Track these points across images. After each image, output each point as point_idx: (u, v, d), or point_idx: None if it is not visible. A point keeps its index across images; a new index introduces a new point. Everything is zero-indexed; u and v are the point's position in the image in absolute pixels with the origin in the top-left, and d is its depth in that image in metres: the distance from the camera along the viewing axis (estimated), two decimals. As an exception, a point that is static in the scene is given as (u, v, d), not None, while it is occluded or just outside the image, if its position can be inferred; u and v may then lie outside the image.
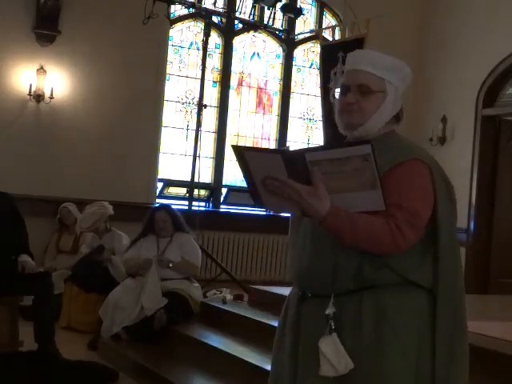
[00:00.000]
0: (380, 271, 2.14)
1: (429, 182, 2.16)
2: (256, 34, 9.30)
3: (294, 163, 2.03)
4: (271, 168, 2.05)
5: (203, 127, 7.62)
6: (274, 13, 8.06)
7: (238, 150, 2.11)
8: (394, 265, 2.14)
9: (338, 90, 2.33)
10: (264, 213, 8.71)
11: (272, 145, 9.64)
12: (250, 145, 9.53)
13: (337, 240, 2.12)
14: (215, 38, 9.23)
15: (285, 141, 9.63)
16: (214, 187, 9.13)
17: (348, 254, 2.15)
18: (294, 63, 9.79)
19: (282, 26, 9.32)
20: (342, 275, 2.16)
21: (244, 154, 2.11)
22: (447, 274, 2.18)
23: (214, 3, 7.89)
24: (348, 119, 2.25)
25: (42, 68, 8.09)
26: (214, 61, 9.26)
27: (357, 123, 2.24)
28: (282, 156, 2.04)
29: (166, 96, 8.93)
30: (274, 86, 9.71)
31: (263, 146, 9.50)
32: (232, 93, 9.40)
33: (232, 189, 9.18)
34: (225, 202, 9.20)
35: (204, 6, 8.37)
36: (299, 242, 2.29)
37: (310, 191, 2.04)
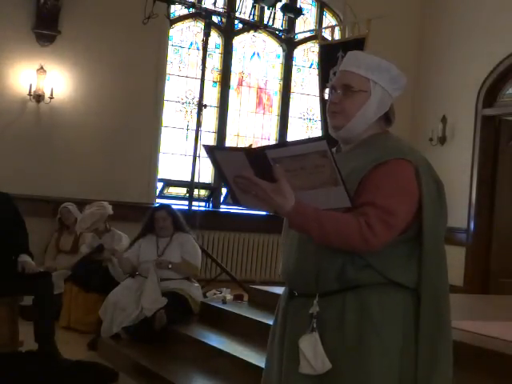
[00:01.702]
0: (363, 272, 2.14)
1: (412, 181, 2.15)
2: (256, 34, 9.30)
3: (258, 161, 2.05)
4: (239, 166, 2.07)
5: (203, 127, 7.61)
6: (274, 13, 8.07)
7: (207, 149, 2.14)
8: (377, 265, 2.14)
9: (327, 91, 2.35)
10: (264, 213, 8.69)
11: (272, 145, 9.63)
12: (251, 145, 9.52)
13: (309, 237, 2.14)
14: (215, 38, 9.23)
15: (285, 141, 9.63)
16: (214, 187, 9.13)
17: (331, 255, 2.15)
18: (294, 63, 9.79)
19: (282, 25, 9.32)
20: (326, 275, 2.17)
21: (214, 153, 2.14)
22: (431, 275, 2.16)
23: (214, 3, 7.89)
24: (332, 121, 2.28)
25: (41, 68, 8.09)
26: (214, 61, 9.26)
27: (340, 125, 2.26)
28: (245, 154, 2.05)
29: (166, 96, 8.93)
30: (274, 86, 9.71)
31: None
32: (232, 93, 9.40)
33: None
34: (225, 202, 9.20)
35: (204, 6, 8.37)
36: (289, 242, 2.32)
37: (273, 188, 2.04)
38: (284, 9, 8.22)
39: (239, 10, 7.97)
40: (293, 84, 9.74)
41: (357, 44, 7.23)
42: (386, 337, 2.13)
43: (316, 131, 9.76)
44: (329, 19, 9.95)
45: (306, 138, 2.08)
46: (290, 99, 9.70)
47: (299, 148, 2.03)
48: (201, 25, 8.72)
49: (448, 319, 2.21)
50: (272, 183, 2.05)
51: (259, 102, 9.64)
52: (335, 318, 2.16)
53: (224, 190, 9.21)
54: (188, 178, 7.65)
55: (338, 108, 2.25)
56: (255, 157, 2.05)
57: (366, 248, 2.10)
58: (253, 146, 2.22)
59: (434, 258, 2.18)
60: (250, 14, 7.99)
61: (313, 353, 2.14)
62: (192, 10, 8.58)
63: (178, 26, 9.09)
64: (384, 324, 2.14)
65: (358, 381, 2.12)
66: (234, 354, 4.77)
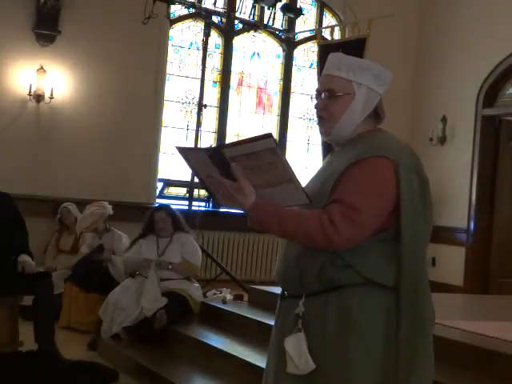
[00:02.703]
0: (343, 272, 2.14)
1: (388, 179, 2.13)
2: (256, 34, 9.30)
3: (219, 160, 2.08)
4: (207, 165, 2.12)
5: (203, 127, 7.62)
6: (274, 13, 8.07)
7: (179, 150, 2.20)
8: (356, 265, 2.14)
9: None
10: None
11: (272, 145, 9.64)
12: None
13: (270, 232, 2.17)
14: (215, 38, 9.23)
15: (285, 141, 9.64)
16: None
17: (311, 255, 2.17)
18: (294, 63, 9.79)
19: (282, 26, 9.32)
20: (308, 276, 2.19)
21: (185, 154, 2.20)
22: (409, 275, 2.14)
23: (214, 3, 7.90)
24: (320, 127, 2.31)
25: (41, 68, 8.09)
26: (214, 61, 9.26)
27: (328, 130, 2.28)
28: (206, 154, 2.11)
29: (166, 96, 8.93)
30: (274, 86, 9.71)
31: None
32: (232, 93, 9.40)
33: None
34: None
35: (204, 6, 8.38)
36: (282, 243, 2.34)
37: (234, 186, 2.10)
38: (284, 9, 8.22)
39: (239, 10, 7.97)
40: (293, 84, 9.74)
41: (357, 44, 7.23)
42: (368, 337, 2.13)
43: (316, 131, 9.76)
44: (329, 19, 9.95)
45: (255, 135, 2.11)
46: (290, 99, 9.70)
47: (249, 146, 2.05)
48: (201, 25, 8.72)
49: (427, 319, 2.19)
50: (233, 181, 2.09)
51: (259, 102, 9.64)
52: (318, 319, 2.17)
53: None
54: (188, 178, 7.65)
55: (324, 113, 2.27)
56: (216, 156, 2.09)
57: (328, 245, 2.10)
58: (213, 146, 2.27)
59: (413, 256, 2.15)
60: (250, 13, 8.00)
61: (297, 353, 2.16)
62: (192, 10, 8.58)
63: (178, 25, 9.09)
64: (365, 324, 2.13)
65: (341, 381, 2.13)
66: (234, 354, 4.77)
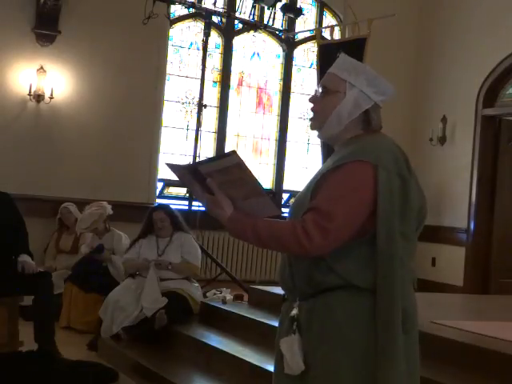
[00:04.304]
0: (329, 275, 2.19)
1: (366, 183, 2.15)
2: (256, 33, 9.30)
3: (197, 176, 2.19)
4: (191, 181, 2.25)
5: (203, 127, 7.62)
6: (274, 13, 8.07)
7: (169, 166, 2.32)
8: (338, 269, 2.18)
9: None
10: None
11: (272, 145, 9.64)
12: (250, 145, 9.55)
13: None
14: (215, 38, 9.23)
15: (285, 141, 9.64)
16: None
17: (299, 261, 2.24)
18: (294, 63, 9.79)
19: (282, 26, 9.32)
20: (299, 280, 2.26)
21: (173, 170, 2.31)
22: (382, 276, 2.16)
23: (214, 3, 7.89)
24: (311, 124, 2.39)
25: (41, 68, 8.09)
26: (214, 61, 9.26)
27: (317, 126, 2.36)
28: (187, 170, 2.23)
29: (166, 96, 8.93)
30: (274, 86, 9.71)
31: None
32: (232, 93, 9.40)
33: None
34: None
35: (204, 5, 8.38)
36: None
37: (212, 199, 2.20)
38: (284, 9, 8.22)
39: (239, 9, 7.97)
40: (293, 84, 9.74)
41: (357, 44, 7.22)
42: (351, 338, 2.17)
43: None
44: (329, 19, 9.95)
45: (221, 153, 2.24)
46: (290, 99, 9.70)
47: (218, 163, 2.16)
48: (201, 25, 8.72)
49: (397, 321, 2.17)
50: (212, 195, 2.20)
51: (259, 102, 9.64)
52: (307, 321, 2.23)
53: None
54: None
55: (314, 108, 2.35)
56: (194, 173, 2.19)
57: (303, 253, 2.15)
58: (191, 162, 2.36)
59: (386, 258, 2.16)
60: (250, 13, 7.99)
61: (290, 354, 2.22)
62: (192, 10, 8.59)
63: (178, 25, 9.09)
64: (349, 326, 2.17)
65: (325, 380, 2.19)
66: (234, 353, 4.77)
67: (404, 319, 2.18)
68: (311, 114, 2.37)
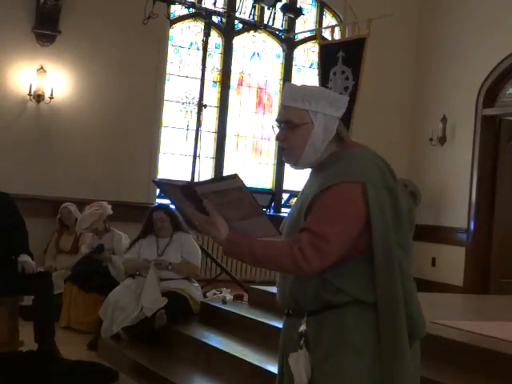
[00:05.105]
0: (337, 295, 2.22)
1: (355, 202, 2.18)
2: (256, 33, 9.29)
3: (191, 196, 2.19)
4: (182, 199, 2.25)
5: (203, 127, 7.62)
6: (274, 13, 8.07)
7: (156, 184, 2.36)
8: (345, 288, 2.21)
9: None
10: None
11: (272, 145, 9.64)
12: (250, 145, 9.55)
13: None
14: (215, 38, 9.23)
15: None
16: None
17: (303, 283, 2.25)
18: (294, 63, 9.79)
19: (282, 26, 9.32)
20: (306, 297, 2.27)
21: (162, 188, 2.34)
22: (382, 290, 2.19)
23: (214, 3, 7.90)
24: (285, 160, 2.38)
25: (41, 68, 8.09)
26: (214, 61, 9.26)
27: (292, 161, 2.35)
28: (180, 190, 2.23)
29: (166, 96, 8.93)
30: (274, 86, 9.71)
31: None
32: (232, 93, 9.40)
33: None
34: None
35: (204, 5, 8.38)
36: None
37: (207, 220, 2.20)
38: (284, 9, 8.22)
39: (239, 10, 7.98)
40: (293, 84, 9.73)
41: (357, 44, 7.22)
42: (361, 351, 2.19)
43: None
44: (329, 19, 9.95)
45: (221, 176, 2.26)
46: (290, 99, 9.68)
47: (218, 185, 2.17)
48: (201, 25, 8.72)
49: (404, 334, 2.19)
50: (206, 216, 2.20)
51: (259, 102, 9.64)
52: (316, 336, 2.25)
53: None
54: (188, 178, 7.65)
55: (286, 145, 2.33)
56: (188, 193, 2.20)
57: (299, 273, 2.19)
58: (188, 182, 2.34)
59: (384, 272, 2.19)
60: (250, 13, 8.00)
61: (296, 368, 2.25)
62: (192, 10, 8.59)
63: (178, 25, 9.09)
64: (358, 339, 2.20)
65: None
66: (234, 353, 4.77)
67: (411, 327, 2.21)
68: (283, 151, 2.35)
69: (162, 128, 8.89)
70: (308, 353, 2.24)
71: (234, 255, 2.24)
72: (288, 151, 2.33)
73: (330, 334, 2.22)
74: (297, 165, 2.35)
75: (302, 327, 2.27)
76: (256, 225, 2.23)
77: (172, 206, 6.49)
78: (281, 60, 9.73)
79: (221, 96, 9.26)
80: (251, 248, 2.19)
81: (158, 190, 8.82)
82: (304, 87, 2.35)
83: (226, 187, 2.15)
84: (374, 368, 2.19)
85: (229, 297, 6.12)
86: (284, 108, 2.33)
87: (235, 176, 2.14)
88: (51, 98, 8.06)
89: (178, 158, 9.04)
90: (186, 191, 2.21)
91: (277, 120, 2.36)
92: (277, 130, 2.37)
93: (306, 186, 2.38)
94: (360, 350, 2.19)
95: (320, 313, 2.24)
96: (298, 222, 2.24)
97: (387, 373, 2.17)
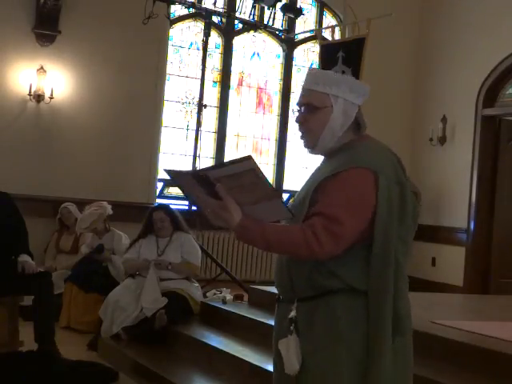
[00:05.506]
0: (330, 279, 2.23)
1: (367, 189, 2.20)
2: (256, 33, 9.29)
3: (204, 181, 2.18)
4: (194, 187, 2.23)
5: (203, 127, 7.61)
6: (274, 13, 8.06)
7: (167, 173, 2.30)
8: (339, 272, 2.22)
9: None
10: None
11: (272, 145, 9.65)
12: (250, 145, 9.55)
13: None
14: (215, 38, 9.23)
15: (285, 141, 9.64)
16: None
17: (299, 263, 2.26)
18: (294, 63, 9.79)
19: (282, 26, 9.32)
20: (298, 283, 2.28)
21: (174, 177, 2.31)
22: (375, 280, 2.21)
23: (214, 3, 7.89)
24: (303, 143, 2.38)
25: (41, 68, 8.09)
26: (214, 61, 9.26)
27: (311, 145, 2.36)
28: (192, 176, 2.21)
29: (166, 96, 8.93)
30: (274, 86, 9.71)
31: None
32: (232, 93, 9.40)
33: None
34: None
35: (204, 5, 8.38)
36: None
37: (220, 205, 2.18)
38: (284, 9, 8.21)
39: (239, 9, 7.97)
40: (293, 84, 9.74)
41: (357, 44, 7.22)
42: (351, 338, 2.21)
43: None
44: (329, 19, 9.94)
45: (235, 158, 2.20)
46: (290, 99, 9.70)
47: (231, 168, 2.14)
48: (201, 25, 8.72)
49: (389, 324, 2.21)
50: (219, 201, 2.18)
51: (259, 102, 9.64)
52: (308, 322, 2.26)
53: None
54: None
55: (305, 128, 2.34)
56: (200, 178, 2.18)
57: (313, 257, 2.18)
58: (198, 168, 2.34)
59: (380, 261, 2.21)
60: (250, 13, 7.99)
61: (286, 354, 2.26)
62: (192, 10, 8.58)
63: (178, 25, 9.09)
64: (350, 327, 2.21)
65: (324, 380, 2.22)
66: (234, 353, 4.77)
67: (395, 321, 2.22)
68: (301, 134, 2.36)
69: (162, 128, 8.89)
70: (298, 338, 2.25)
71: (246, 240, 2.23)
72: (306, 134, 2.34)
73: (320, 324, 2.23)
74: (314, 149, 2.35)
75: (292, 313, 2.28)
76: (270, 208, 2.21)
77: (172, 206, 6.51)
78: (281, 60, 9.73)
79: (221, 96, 9.26)
80: (264, 233, 2.18)
81: (157, 190, 8.84)
82: (326, 72, 2.38)
83: (239, 170, 2.12)
84: (363, 358, 2.20)
85: (229, 297, 6.12)
86: (305, 91, 2.36)
87: (249, 158, 2.11)
88: (51, 98, 8.06)
89: (178, 158, 9.04)
90: (197, 177, 2.20)
91: (298, 103, 2.38)
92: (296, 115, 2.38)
93: (315, 171, 2.39)
94: (350, 341, 2.20)
95: (311, 299, 2.25)
96: (303, 207, 2.25)
97: (370, 361, 2.19)
